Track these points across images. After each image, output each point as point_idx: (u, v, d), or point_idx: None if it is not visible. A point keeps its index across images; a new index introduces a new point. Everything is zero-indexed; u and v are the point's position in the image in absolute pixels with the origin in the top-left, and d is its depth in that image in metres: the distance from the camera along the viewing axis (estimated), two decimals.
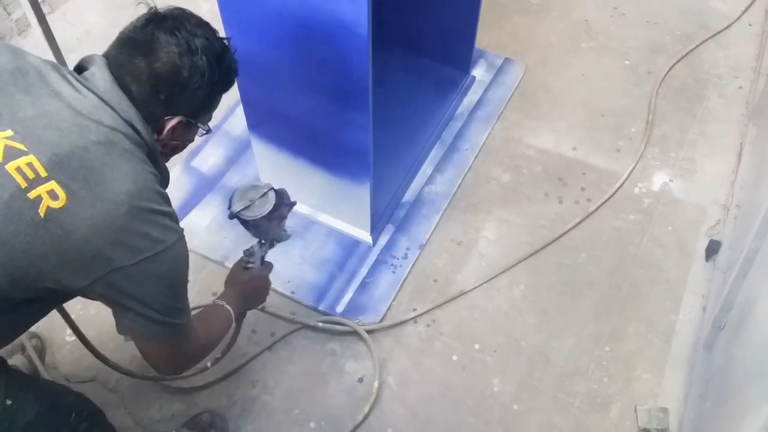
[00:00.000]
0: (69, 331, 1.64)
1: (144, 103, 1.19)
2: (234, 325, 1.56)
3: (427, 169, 2.40)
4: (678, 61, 2.76)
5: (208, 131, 1.31)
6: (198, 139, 1.34)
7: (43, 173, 1.07)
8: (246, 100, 1.99)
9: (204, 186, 2.36)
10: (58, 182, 1.07)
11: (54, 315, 1.43)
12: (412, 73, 2.61)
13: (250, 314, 1.67)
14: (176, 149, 1.32)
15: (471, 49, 2.55)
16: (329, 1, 1.52)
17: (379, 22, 1.61)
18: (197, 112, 1.26)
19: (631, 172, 2.40)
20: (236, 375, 1.94)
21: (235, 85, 1.34)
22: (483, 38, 2.66)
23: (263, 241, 1.64)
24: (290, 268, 2.12)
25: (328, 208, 2.21)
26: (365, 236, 2.19)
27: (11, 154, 1.08)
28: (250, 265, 1.62)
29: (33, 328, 1.45)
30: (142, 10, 1.22)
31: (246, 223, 1.58)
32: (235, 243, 2.16)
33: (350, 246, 2.19)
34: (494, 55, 2.76)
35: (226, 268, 2.10)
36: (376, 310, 2.06)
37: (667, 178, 2.40)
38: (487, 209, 2.32)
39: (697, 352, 1.94)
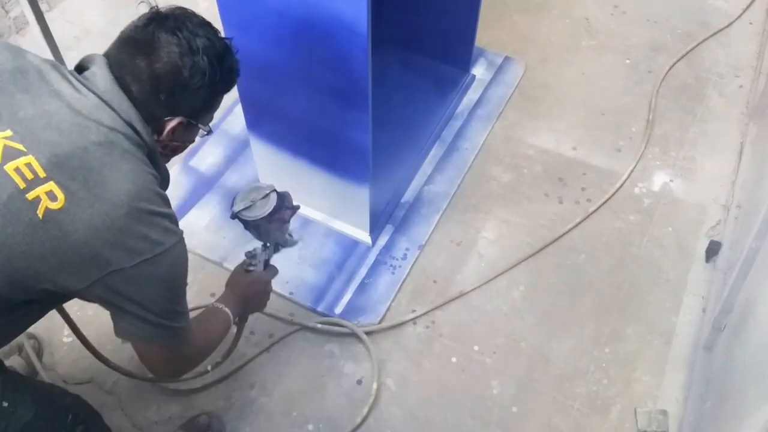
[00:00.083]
0: (66, 332, 1.63)
1: (144, 103, 1.18)
2: (235, 328, 1.55)
3: (426, 168, 2.39)
4: (679, 59, 2.76)
5: (209, 132, 1.30)
6: (197, 139, 1.33)
7: (41, 174, 1.06)
8: (245, 99, 1.98)
9: (202, 185, 2.35)
10: (57, 183, 1.06)
11: (52, 316, 1.41)
12: (411, 71, 2.60)
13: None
14: (176, 150, 1.31)
15: (471, 48, 2.55)
16: (329, 0, 1.51)
17: (379, 21, 1.60)
18: (198, 112, 1.25)
19: (632, 171, 2.40)
20: (234, 377, 1.93)
21: None
22: (483, 36, 2.65)
23: (267, 245, 1.62)
24: (289, 268, 2.11)
25: (327, 208, 2.20)
26: (364, 236, 2.18)
27: (10, 154, 1.07)
28: (251, 268, 1.60)
29: (31, 329, 1.44)
30: (144, 10, 1.21)
31: (246, 224, 1.57)
32: (234, 243, 2.15)
33: (349, 246, 2.18)
34: (494, 54, 2.76)
35: (225, 268, 2.10)
36: (375, 311, 2.05)
37: (667, 178, 2.40)
38: (486, 209, 2.31)
39: (697, 354, 1.94)
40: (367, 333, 1.99)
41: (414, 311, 2.06)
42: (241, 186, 1.69)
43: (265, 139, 2.08)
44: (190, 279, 1.27)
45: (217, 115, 1.31)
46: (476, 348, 2.00)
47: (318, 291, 2.09)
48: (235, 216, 1.54)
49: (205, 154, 2.43)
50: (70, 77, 1.16)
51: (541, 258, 2.19)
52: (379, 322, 2.03)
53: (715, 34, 2.86)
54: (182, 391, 1.89)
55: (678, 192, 2.36)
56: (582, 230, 2.25)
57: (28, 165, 1.06)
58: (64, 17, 2.93)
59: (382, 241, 2.20)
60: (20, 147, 1.07)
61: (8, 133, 1.08)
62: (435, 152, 2.44)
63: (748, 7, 2.95)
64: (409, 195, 2.32)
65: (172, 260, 1.17)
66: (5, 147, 1.07)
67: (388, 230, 2.23)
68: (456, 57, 2.58)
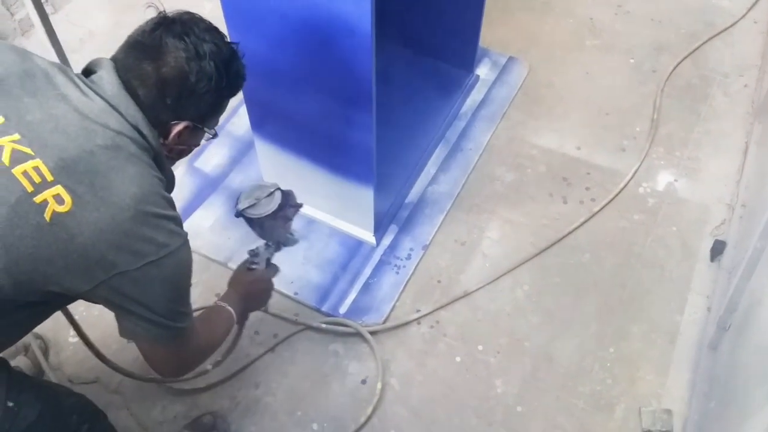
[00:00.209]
0: (72, 332, 1.64)
1: (151, 107, 1.18)
2: (236, 327, 1.56)
3: (430, 168, 2.40)
4: (683, 59, 2.75)
5: (215, 136, 1.31)
6: (202, 142, 1.34)
7: (49, 177, 1.07)
8: (249, 100, 1.99)
9: (207, 186, 2.35)
10: (64, 186, 1.07)
11: (58, 316, 1.43)
12: (415, 72, 2.60)
13: (253, 315, 1.66)
14: (182, 153, 1.31)
15: (475, 48, 2.55)
16: (332, 1, 1.52)
17: (383, 21, 1.60)
18: (204, 116, 1.25)
19: (636, 171, 2.40)
20: (239, 376, 1.94)
21: None
22: (487, 36, 2.65)
23: (269, 243, 1.63)
24: (293, 268, 2.12)
25: (332, 209, 2.21)
26: (369, 237, 2.18)
27: (18, 158, 1.07)
28: (254, 266, 1.61)
29: (37, 329, 1.45)
30: (151, 14, 1.22)
31: (251, 222, 1.58)
32: (239, 243, 2.16)
33: (353, 247, 2.19)
34: (498, 54, 2.76)
35: (230, 269, 2.10)
36: (380, 311, 2.06)
37: (671, 178, 2.39)
38: (490, 209, 2.31)
39: (702, 353, 1.94)
40: (372, 333, 2.00)
41: (418, 311, 2.06)
42: (246, 187, 1.71)
43: (269, 140, 2.08)
44: (194, 279, 1.28)
45: (222, 116, 1.32)
46: (480, 347, 2.00)
47: (322, 291, 2.10)
48: (239, 214, 1.55)
49: (210, 155, 2.43)
50: (77, 81, 1.16)
51: (545, 258, 2.19)
52: (384, 322, 2.04)
53: (719, 33, 2.85)
54: (187, 391, 1.90)
55: (682, 191, 2.36)
56: (586, 230, 2.25)
57: (36, 168, 1.07)
58: (69, 20, 2.94)
59: (387, 241, 2.21)
60: (28, 150, 1.08)
61: (16, 136, 1.09)
62: (439, 152, 2.44)
63: (752, 6, 2.94)
64: (413, 195, 2.32)
65: (177, 262, 1.17)
66: (13, 150, 1.08)
67: (393, 230, 2.23)
68: (460, 57, 2.58)
